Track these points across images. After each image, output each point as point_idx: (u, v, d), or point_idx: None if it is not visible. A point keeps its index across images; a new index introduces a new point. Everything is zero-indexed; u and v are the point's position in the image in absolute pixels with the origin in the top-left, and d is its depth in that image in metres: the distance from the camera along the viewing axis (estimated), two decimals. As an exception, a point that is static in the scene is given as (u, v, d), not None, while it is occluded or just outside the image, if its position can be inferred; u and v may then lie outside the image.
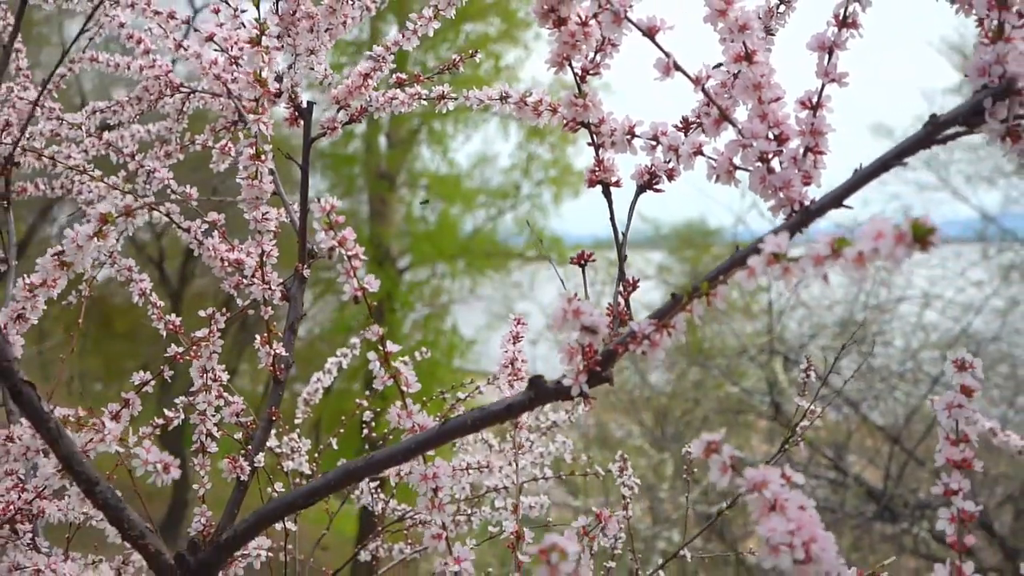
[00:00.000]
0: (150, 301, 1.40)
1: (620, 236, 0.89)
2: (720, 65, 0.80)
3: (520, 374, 1.13)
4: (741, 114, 0.80)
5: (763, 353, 6.99)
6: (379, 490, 1.81)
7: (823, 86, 0.75)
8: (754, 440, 7.55)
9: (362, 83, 1.36)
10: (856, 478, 6.39)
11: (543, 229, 9.92)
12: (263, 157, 1.04)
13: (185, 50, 1.32)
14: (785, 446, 1.50)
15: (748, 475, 0.61)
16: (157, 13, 1.32)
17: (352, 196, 10.22)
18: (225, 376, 1.21)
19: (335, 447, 1.74)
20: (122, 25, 1.43)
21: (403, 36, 1.36)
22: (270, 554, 1.31)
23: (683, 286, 0.68)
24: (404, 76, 1.39)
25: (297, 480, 1.59)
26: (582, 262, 0.93)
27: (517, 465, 1.18)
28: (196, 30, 1.31)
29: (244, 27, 1.26)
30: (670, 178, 0.89)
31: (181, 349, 1.16)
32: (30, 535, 1.22)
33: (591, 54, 0.86)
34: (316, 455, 1.70)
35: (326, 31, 1.25)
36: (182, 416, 1.28)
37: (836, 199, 0.71)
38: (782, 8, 0.90)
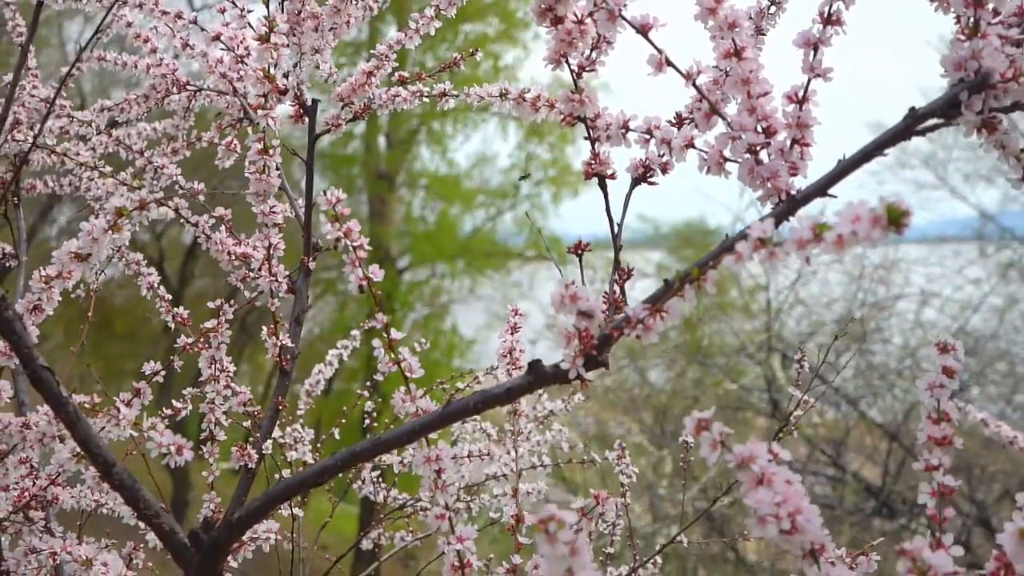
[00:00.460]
0: (158, 294, 1.43)
1: (616, 227, 0.92)
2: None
3: (518, 363, 1.15)
4: (732, 109, 0.84)
5: (762, 351, 7.02)
6: (381, 480, 1.85)
7: (809, 81, 0.79)
8: (753, 437, 7.56)
9: (365, 81, 1.40)
10: (855, 475, 6.43)
11: (543, 228, 9.95)
12: (271, 152, 1.07)
13: (192, 49, 1.35)
14: (779, 435, 1.54)
15: (737, 450, 0.64)
16: (165, 13, 1.36)
17: (352, 196, 10.25)
18: (232, 367, 1.24)
19: (337, 437, 1.78)
20: (129, 24, 1.46)
21: (405, 35, 1.39)
22: (279, 537, 1.34)
23: (676, 273, 0.71)
24: (406, 75, 1.42)
25: (301, 469, 1.62)
26: (579, 252, 0.96)
27: (516, 452, 1.21)
28: (203, 29, 1.34)
29: (250, 27, 1.29)
30: (664, 171, 0.92)
31: (191, 340, 1.19)
32: (43, 522, 1.26)
33: (587, 51, 0.90)
34: (318, 445, 1.74)
35: (330, 30, 1.29)
36: (189, 407, 1.31)
37: (820, 188, 0.75)
38: (772, 9, 0.93)
